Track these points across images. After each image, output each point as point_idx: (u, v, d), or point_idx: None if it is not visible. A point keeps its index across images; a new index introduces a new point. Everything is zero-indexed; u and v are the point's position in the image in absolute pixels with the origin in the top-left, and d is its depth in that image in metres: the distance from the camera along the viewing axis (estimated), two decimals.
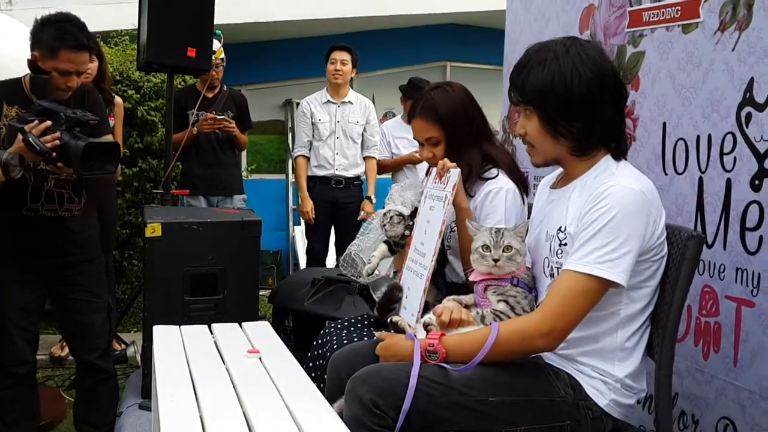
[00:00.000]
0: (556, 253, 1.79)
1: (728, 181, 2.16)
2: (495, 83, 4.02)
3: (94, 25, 6.07)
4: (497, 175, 2.29)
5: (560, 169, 1.95)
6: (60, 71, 2.58)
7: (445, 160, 2.14)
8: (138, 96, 5.19)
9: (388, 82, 8.96)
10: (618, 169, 1.76)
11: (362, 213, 4.93)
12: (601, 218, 1.65)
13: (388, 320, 2.04)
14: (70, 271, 2.83)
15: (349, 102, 5.04)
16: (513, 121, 3.42)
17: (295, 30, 7.22)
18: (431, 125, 2.33)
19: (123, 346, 4.24)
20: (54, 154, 2.47)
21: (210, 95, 4.66)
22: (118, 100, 4.30)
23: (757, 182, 2.06)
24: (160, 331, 2.39)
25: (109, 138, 2.81)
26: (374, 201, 4.99)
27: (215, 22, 4.04)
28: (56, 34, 2.55)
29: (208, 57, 4.05)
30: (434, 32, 8.40)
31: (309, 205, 4.94)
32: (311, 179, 5.03)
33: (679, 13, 2.35)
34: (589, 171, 1.80)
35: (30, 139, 2.41)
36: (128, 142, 5.03)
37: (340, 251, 5.07)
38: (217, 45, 4.44)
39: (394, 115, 8.05)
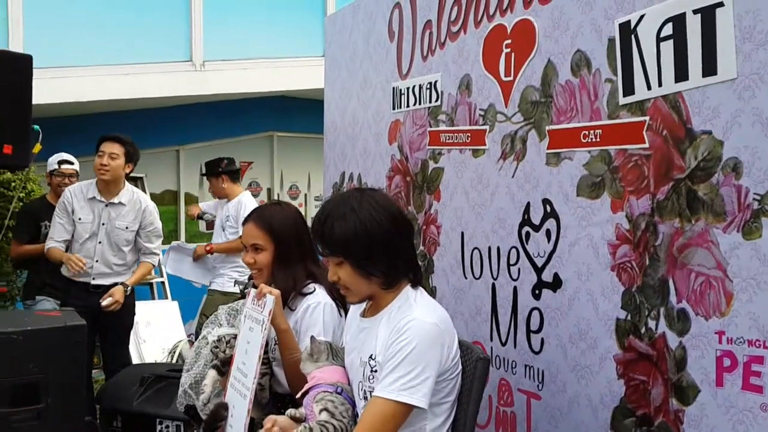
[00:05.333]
0: (368, 378, 2.01)
1: (515, 289, 2.49)
2: (319, 151, 4.19)
3: None
4: (315, 291, 2.49)
5: None
6: None
7: (262, 285, 2.32)
8: None
9: (216, 154, 9.03)
10: (416, 300, 2.03)
11: (109, 299, 4.18)
12: (403, 350, 1.90)
13: None
14: None
15: (120, 203, 4.34)
16: None
17: (118, 105, 7.17)
18: (261, 233, 2.51)
19: None
20: None
21: None
22: None
23: (537, 291, 2.39)
24: None
25: None
26: (128, 291, 4.33)
27: (34, 102, 4.01)
28: None
29: (26, 153, 3.99)
30: (260, 104, 8.60)
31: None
32: (67, 281, 4.29)
33: (470, 138, 2.69)
34: (394, 302, 2.05)
35: None
36: None
37: (109, 362, 4.49)
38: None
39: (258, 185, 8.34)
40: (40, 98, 4.14)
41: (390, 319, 2.01)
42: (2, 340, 3.04)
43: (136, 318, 4.69)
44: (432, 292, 2.87)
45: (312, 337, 2.27)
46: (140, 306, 5.20)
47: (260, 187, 9.33)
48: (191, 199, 9.07)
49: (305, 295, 2.49)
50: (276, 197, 9.02)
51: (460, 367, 2.04)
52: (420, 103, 2.98)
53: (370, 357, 2.02)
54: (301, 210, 2.55)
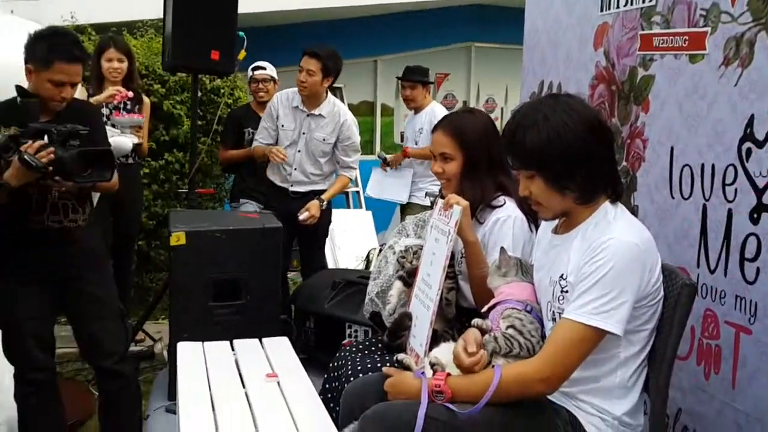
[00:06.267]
0: (558, 299, 1.89)
1: (729, 211, 2.22)
2: (518, 63, 3.93)
3: (118, 15, 6.23)
4: (504, 204, 2.37)
5: None
6: (54, 82, 2.66)
7: (451, 195, 2.23)
8: (163, 90, 5.35)
9: (413, 64, 9.02)
10: (615, 217, 1.85)
11: (305, 213, 4.27)
12: (598, 271, 1.75)
13: (395, 358, 2.13)
14: (78, 282, 2.84)
15: (320, 115, 4.36)
16: None
17: (319, 14, 7.29)
18: (450, 141, 2.42)
19: (151, 342, 4.40)
20: (50, 168, 2.54)
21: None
22: (146, 99, 4.47)
23: (755, 215, 2.12)
24: (184, 349, 2.53)
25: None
26: (324, 205, 4.39)
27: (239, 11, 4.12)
28: (49, 48, 2.64)
29: (232, 60, 4.17)
30: (458, 13, 8.40)
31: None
32: (268, 186, 4.52)
33: (687, 42, 2.40)
34: (590, 218, 1.88)
35: (26, 157, 2.48)
36: (154, 135, 5.20)
37: (306, 266, 4.66)
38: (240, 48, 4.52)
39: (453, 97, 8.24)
40: (245, 7, 4.25)
41: (585, 237, 1.85)
42: (207, 238, 3.24)
43: (332, 225, 4.81)
44: (633, 212, 2.64)
45: (502, 249, 2.16)
46: (337, 214, 5.35)
47: (456, 100, 9.21)
48: (387, 110, 9.15)
49: (494, 207, 2.38)
50: None
51: (662, 293, 1.86)
52: (632, 4, 2.69)
53: (561, 276, 1.88)
54: (497, 125, 2.41)
